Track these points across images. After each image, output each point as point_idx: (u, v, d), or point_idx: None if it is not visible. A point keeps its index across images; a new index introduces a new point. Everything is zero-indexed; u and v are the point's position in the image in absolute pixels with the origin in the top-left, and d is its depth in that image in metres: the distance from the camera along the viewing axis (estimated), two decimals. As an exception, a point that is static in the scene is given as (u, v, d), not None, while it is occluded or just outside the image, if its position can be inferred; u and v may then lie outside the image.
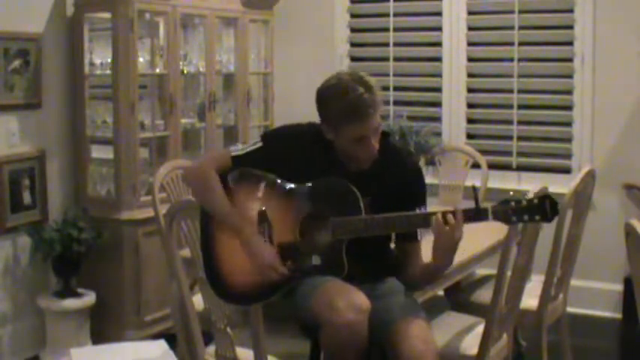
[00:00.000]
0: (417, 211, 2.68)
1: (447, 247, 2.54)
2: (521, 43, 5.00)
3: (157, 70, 4.51)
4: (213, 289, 2.67)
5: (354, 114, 2.56)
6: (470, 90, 5.22)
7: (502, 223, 2.52)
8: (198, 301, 2.97)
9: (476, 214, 2.50)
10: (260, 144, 2.75)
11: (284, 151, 2.72)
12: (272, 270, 2.60)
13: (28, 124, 4.14)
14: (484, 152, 4.64)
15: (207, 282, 2.68)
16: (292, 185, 2.67)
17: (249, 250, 2.63)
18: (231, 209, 2.66)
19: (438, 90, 5.29)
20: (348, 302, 2.45)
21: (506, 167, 5.08)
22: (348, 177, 2.64)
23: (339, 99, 2.58)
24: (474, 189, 2.58)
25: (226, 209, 2.66)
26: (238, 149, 2.77)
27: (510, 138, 5.08)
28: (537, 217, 2.48)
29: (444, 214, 2.50)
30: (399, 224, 2.59)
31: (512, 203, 2.48)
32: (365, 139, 2.60)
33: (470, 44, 5.18)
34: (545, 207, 2.46)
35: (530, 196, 2.54)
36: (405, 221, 2.59)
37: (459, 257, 2.76)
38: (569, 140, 4.95)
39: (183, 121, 4.67)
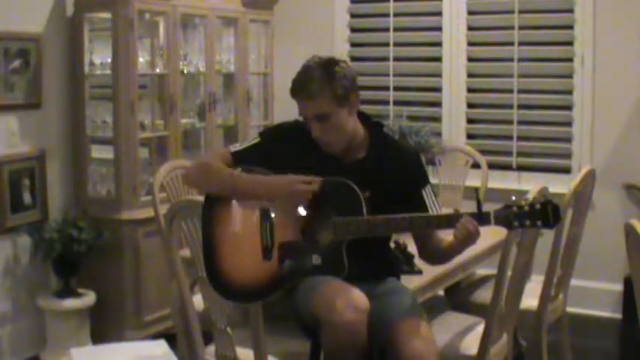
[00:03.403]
0: (423, 193, 2.72)
1: (465, 245, 2.59)
2: (521, 43, 5.00)
3: (157, 70, 4.51)
4: (214, 288, 2.67)
5: (293, 89, 2.67)
6: (470, 90, 5.22)
7: (504, 227, 2.53)
8: (198, 301, 2.97)
9: (478, 219, 2.50)
10: (258, 140, 2.79)
11: (280, 147, 2.74)
12: (304, 185, 2.60)
13: (28, 124, 4.14)
14: (484, 152, 4.64)
15: (208, 279, 2.68)
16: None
17: (273, 192, 2.63)
18: (236, 174, 2.67)
19: (438, 90, 5.29)
20: (348, 302, 2.45)
21: (506, 167, 5.08)
22: (344, 170, 2.65)
23: (298, 72, 2.68)
24: (477, 193, 2.60)
25: (231, 176, 2.67)
26: (237, 146, 2.81)
27: (510, 138, 5.08)
28: (539, 223, 2.48)
29: (459, 219, 2.51)
30: (401, 225, 2.60)
31: (515, 208, 2.48)
32: (309, 121, 2.66)
33: (470, 44, 5.18)
34: (547, 212, 2.46)
35: (531, 197, 2.54)
36: (408, 222, 2.59)
37: (459, 257, 2.77)
38: (569, 140, 4.95)
39: (184, 121, 4.67)
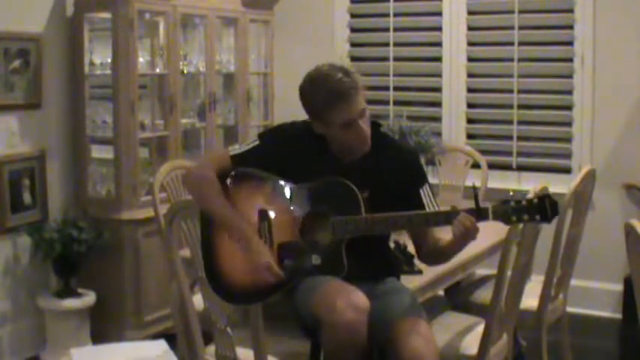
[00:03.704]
0: (421, 193, 2.71)
1: (464, 243, 2.58)
2: (521, 43, 5.00)
3: (157, 70, 4.51)
4: (214, 289, 2.67)
5: (337, 98, 2.59)
6: (470, 90, 5.22)
7: (502, 222, 2.53)
8: (198, 301, 2.97)
9: (476, 215, 2.50)
10: (257, 142, 2.77)
11: (280, 149, 2.74)
12: (268, 272, 2.60)
13: (28, 124, 4.14)
14: (484, 152, 4.65)
15: (208, 282, 2.68)
16: (292, 184, 2.68)
17: (247, 251, 2.62)
18: (229, 211, 2.65)
19: (438, 90, 5.29)
20: (348, 302, 2.45)
21: (506, 167, 5.08)
22: (344, 171, 2.65)
23: (320, 87, 2.62)
24: (474, 189, 2.59)
25: (224, 211, 2.65)
26: (237, 149, 2.79)
27: (510, 138, 5.08)
28: (537, 217, 2.48)
29: (453, 215, 2.51)
30: (399, 223, 2.60)
31: (512, 203, 2.48)
32: (354, 124, 2.62)
33: (470, 44, 5.18)
34: (545, 207, 2.47)
35: (531, 195, 2.54)
36: (406, 221, 2.59)
37: (459, 257, 2.76)
38: (569, 140, 4.95)
39: (184, 121, 4.67)
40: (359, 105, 2.61)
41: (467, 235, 2.52)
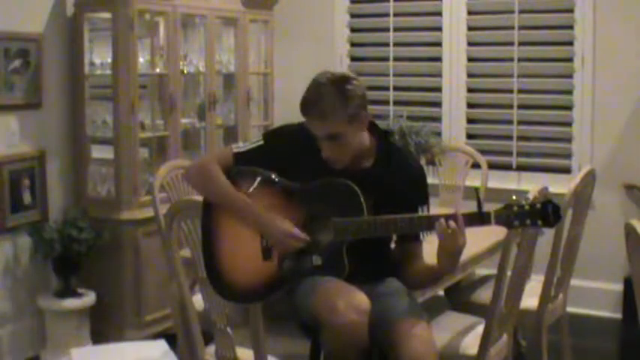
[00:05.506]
0: (420, 210, 2.68)
1: (450, 251, 2.53)
2: (521, 43, 5.00)
3: (157, 70, 4.51)
4: (214, 288, 2.67)
5: (303, 111, 2.61)
6: (470, 90, 5.22)
7: (504, 227, 2.52)
8: (198, 301, 2.97)
9: (479, 219, 2.49)
10: (261, 142, 2.77)
11: (284, 150, 2.73)
12: (292, 239, 2.59)
13: (28, 124, 4.14)
14: (484, 152, 4.64)
15: (208, 280, 2.68)
16: (294, 185, 2.67)
17: (263, 229, 2.61)
18: (237, 194, 2.65)
19: (438, 90, 5.29)
20: (348, 302, 2.45)
21: (506, 167, 5.08)
22: (349, 176, 2.64)
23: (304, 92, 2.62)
24: (477, 193, 2.59)
25: (231, 195, 2.65)
26: (240, 147, 2.78)
27: (510, 138, 5.08)
28: (539, 222, 2.47)
29: (447, 218, 2.49)
30: (401, 226, 2.58)
31: (515, 207, 2.47)
32: (321, 140, 2.61)
33: (470, 44, 5.18)
34: (547, 212, 2.46)
35: (532, 197, 2.53)
36: (408, 223, 2.58)
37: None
38: (569, 140, 4.95)
39: (184, 121, 4.68)
40: (320, 130, 2.58)
41: (448, 236, 2.48)
